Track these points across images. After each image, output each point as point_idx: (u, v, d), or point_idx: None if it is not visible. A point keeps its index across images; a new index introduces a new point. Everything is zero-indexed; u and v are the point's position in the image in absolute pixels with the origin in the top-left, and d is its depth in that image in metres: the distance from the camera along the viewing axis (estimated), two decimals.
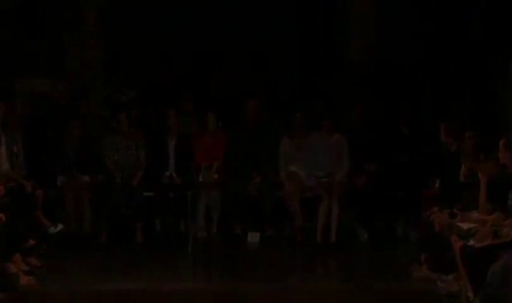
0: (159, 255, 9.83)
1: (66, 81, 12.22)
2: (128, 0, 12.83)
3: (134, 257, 9.92)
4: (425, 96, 11.91)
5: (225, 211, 10.58)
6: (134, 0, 12.87)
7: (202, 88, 12.22)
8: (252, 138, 10.60)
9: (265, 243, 10.37)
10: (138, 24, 12.86)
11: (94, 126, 11.06)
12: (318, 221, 10.27)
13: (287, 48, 12.82)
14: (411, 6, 12.40)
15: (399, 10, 12.39)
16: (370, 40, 12.48)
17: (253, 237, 10.47)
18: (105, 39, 12.75)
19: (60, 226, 9.46)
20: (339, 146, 10.57)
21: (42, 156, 10.40)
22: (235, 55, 12.87)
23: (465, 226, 7.36)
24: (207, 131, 10.75)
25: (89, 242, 10.18)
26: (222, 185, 10.56)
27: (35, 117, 10.82)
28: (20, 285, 7.73)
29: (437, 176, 9.57)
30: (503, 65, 10.98)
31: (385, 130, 11.04)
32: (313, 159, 10.40)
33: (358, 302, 7.93)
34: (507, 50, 10.91)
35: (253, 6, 12.96)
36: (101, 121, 11.30)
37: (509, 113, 10.45)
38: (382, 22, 12.45)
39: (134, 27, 12.83)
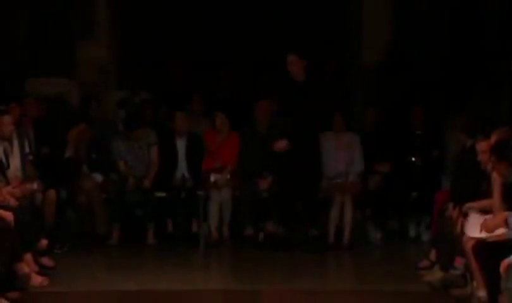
0: (171, 255, 9.82)
1: (78, 82, 12.24)
2: (140, 0, 12.84)
3: (146, 257, 9.92)
4: (437, 97, 11.84)
5: (237, 212, 10.53)
6: (147, 0, 12.88)
7: (213, 89, 12.17)
8: (263, 138, 10.53)
9: (277, 243, 10.31)
10: (151, 25, 12.87)
11: (106, 127, 11.05)
12: (330, 222, 10.22)
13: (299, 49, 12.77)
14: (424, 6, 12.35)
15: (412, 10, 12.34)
16: (382, 40, 12.43)
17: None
18: (118, 39, 12.76)
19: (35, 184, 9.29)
20: (351, 145, 10.50)
21: (53, 156, 10.40)
22: (247, 56, 12.85)
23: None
24: (219, 132, 10.70)
25: (101, 243, 10.18)
26: (234, 185, 10.51)
27: (46, 118, 10.81)
28: (32, 285, 7.74)
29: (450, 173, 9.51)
30: None
31: (398, 131, 10.99)
32: (324, 159, 10.34)
33: None
34: None
35: (266, 8, 12.95)
36: (113, 122, 11.28)
37: None
38: (396, 23, 12.40)
39: (147, 27, 12.84)
